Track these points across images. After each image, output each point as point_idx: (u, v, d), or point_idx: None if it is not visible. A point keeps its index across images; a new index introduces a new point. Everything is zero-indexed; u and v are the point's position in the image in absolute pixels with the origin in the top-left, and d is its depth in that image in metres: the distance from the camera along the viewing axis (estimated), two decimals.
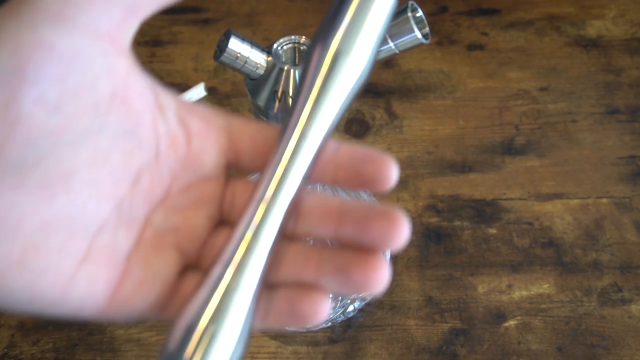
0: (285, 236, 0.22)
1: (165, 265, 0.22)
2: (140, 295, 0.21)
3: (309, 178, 0.22)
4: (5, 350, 0.48)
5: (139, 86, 0.21)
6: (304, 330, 0.48)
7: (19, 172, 0.18)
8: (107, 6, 0.19)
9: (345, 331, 0.49)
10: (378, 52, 0.22)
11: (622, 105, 0.61)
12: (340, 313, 0.47)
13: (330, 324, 0.47)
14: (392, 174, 0.21)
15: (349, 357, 0.47)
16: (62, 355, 0.48)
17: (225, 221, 0.23)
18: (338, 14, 0.21)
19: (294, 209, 0.22)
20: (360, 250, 0.21)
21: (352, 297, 0.47)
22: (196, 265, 0.23)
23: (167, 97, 0.22)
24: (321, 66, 0.21)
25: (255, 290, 0.20)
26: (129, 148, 0.21)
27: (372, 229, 0.20)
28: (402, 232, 0.20)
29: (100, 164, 0.20)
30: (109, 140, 0.20)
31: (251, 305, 0.20)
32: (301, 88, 0.22)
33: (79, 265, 0.20)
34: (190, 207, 0.23)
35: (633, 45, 0.66)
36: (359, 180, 0.21)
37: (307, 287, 0.21)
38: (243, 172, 0.24)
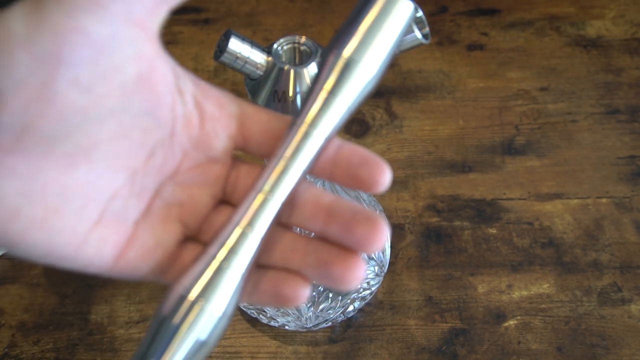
0: (279, 223, 0.24)
1: (169, 235, 0.24)
2: (143, 259, 0.24)
3: (308, 173, 0.23)
4: (6, 350, 0.48)
5: (163, 70, 0.22)
6: (304, 329, 0.48)
7: (49, 144, 0.20)
8: None
9: (345, 331, 0.49)
10: (390, 61, 0.24)
11: (622, 105, 0.61)
12: (340, 313, 0.47)
13: (330, 324, 0.47)
14: (384, 179, 0.23)
15: (349, 357, 0.47)
16: (63, 355, 0.48)
17: (226, 200, 0.25)
18: (354, 22, 0.23)
19: (290, 202, 0.23)
20: (341, 247, 0.23)
21: (352, 297, 0.47)
22: (196, 238, 0.25)
23: (186, 80, 0.24)
24: (332, 72, 0.23)
25: (244, 272, 0.22)
26: (148, 126, 0.22)
27: (353, 232, 0.22)
28: (380, 239, 0.22)
29: (120, 139, 0.22)
30: (130, 118, 0.22)
31: (239, 284, 0.22)
32: (312, 90, 0.23)
33: (92, 228, 0.22)
34: (196, 185, 0.25)
35: (633, 45, 0.66)
36: (353, 180, 0.23)
37: (291, 273, 0.24)
38: (249, 155, 0.26)
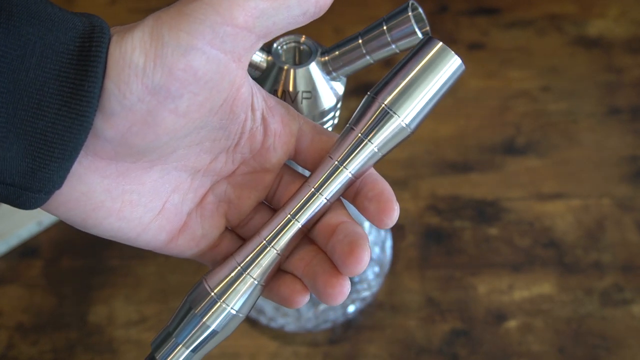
0: (301, 238, 0.27)
1: (214, 228, 0.28)
2: (189, 246, 0.28)
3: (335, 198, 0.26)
4: (4, 351, 0.48)
5: (244, 94, 0.25)
6: (304, 330, 0.47)
7: (139, 155, 0.24)
8: (246, 34, 0.22)
9: (345, 332, 0.48)
10: (428, 114, 0.25)
11: (624, 105, 0.61)
12: (341, 314, 0.47)
13: (330, 324, 0.47)
14: (389, 220, 0.25)
15: (349, 358, 0.47)
16: (61, 356, 0.47)
17: (266, 201, 0.29)
18: (402, 71, 0.25)
19: (313, 223, 0.26)
20: (334, 265, 0.25)
21: (352, 297, 0.47)
22: (234, 231, 0.29)
23: (259, 97, 0.26)
24: (372, 118, 0.25)
25: (262, 281, 0.26)
26: (219, 137, 0.25)
27: (336, 252, 0.25)
28: (355, 264, 0.24)
29: (193, 146, 0.25)
30: (207, 131, 0.25)
31: (255, 291, 0.26)
32: (350, 129, 0.25)
33: (154, 218, 0.26)
34: (247, 188, 0.28)
35: (635, 44, 0.66)
36: (363, 211, 0.26)
37: (296, 279, 0.27)
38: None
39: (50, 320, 0.49)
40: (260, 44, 0.24)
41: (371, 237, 0.47)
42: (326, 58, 0.32)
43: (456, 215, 0.54)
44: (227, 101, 0.24)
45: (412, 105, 0.25)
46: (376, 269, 0.48)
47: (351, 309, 0.47)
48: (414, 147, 0.58)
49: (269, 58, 0.32)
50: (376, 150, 0.25)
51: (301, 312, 0.46)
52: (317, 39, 0.33)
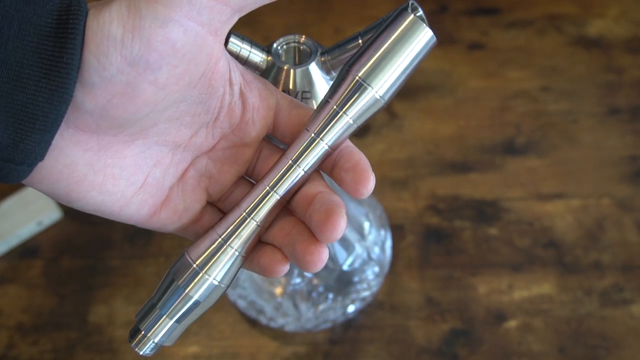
0: (280, 209, 0.28)
1: (196, 202, 0.28)
2: (172, 220, 0.28)
3: (311, 171, 0.27)
4: (4, 351, 0.48)
5: (222, 69, 0.25)
6: (304, 330, 0.47)
7: (120, 127, 0.24)
8: (222, 7, 0.23)
9: (345, 332, 0.48)
10: (402, 86, 0.26)
11: (624, 105, 0.61)
12: (341, 314, 0.47)
13: (330, 324, 0.47)
14: (365, 190, 0.25)
15: (349, 358, 0.47)
16: (61, 356, 0.47)
17: (246, 176, 0.30)
18: (374, 44, 0.25)
19: (291, 194, 0.27)
20: (311, 233, 0.26)
21: (352, 297, 0.47)
22: (215, 205, 0.30)
23: (237, 72, 0.27)
24: (346, 90, 0.25)
25: (243, 252, 0.27)
26: (198, 112, 0.26)
27: (313, 219, 0.25)
28: (330, 230, 0.25)
29: (174, 120, 0.26)
30: (186, 105, 0.25)
31: (236, 261, 0.27)
32: (325, 102, 0.26)
33: (136, 192, 0.26)
34: (227, 163, 0.28)
35: (634, 44, 0.66)
36: (340, 182, 0.26)
37: (275, 249, 0.27)
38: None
39: (51, 320, 0.49)
40: (236, 19, 0.24)
41: (371, 237, 0.47)
42: (326, 58, 0.32)
43: (456, 215, 0.54)
44: (205, 74, 0.24)
45: (385, 77, 0.25)
46: (376, 269, 0.48)
47: (351, 309, 0.47)
48: (414, 147, 0.59)
49: (269, 58, 0.32)
50: (351, 121, 0.26)
51: (301, 312, 0.46)
52: (317, 39, 0.33)
